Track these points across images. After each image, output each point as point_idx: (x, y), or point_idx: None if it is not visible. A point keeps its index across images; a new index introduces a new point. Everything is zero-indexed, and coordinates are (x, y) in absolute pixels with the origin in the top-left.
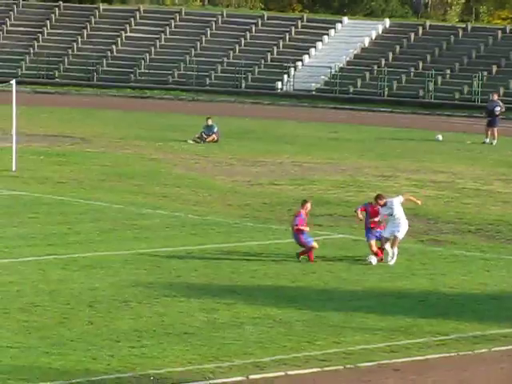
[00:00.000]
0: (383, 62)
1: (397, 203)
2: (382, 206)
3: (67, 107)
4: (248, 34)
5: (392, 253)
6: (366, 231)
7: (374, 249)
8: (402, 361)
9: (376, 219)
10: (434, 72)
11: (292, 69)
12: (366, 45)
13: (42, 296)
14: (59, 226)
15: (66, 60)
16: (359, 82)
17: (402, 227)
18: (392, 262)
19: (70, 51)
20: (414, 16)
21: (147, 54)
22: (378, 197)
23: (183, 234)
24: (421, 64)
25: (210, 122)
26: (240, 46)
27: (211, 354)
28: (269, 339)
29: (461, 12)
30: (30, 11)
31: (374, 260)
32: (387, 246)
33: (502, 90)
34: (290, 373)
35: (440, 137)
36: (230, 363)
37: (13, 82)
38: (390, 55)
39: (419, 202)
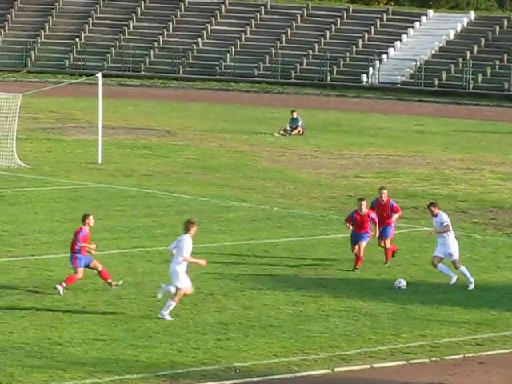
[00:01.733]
0: (468, 54)
1: (446, 218)
2: (433, 215)
3: (153, 100)
4: (333, 27)
5: (459, 274)
6: (354, 237)
7: (359, 252)
8: (487, 354)
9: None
10: None
11: (377, 61)
12: (451, 37)
13: (128, 289)
14: (145, 218)
15: (151, 53)
16: (444, 75)
17: (454, 245)
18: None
19: (155, 44)
20: (498, 9)
21: (233, 47)
22: (432, 204)
23: (269, 227)
24: (506, 57)
25: (295, 115)
26: (325, 38)
27: (297, 346)
28: (354, 332)
29: None
30: (115, 4)
31: (402, 283)
32: (441, 266)
33: None
34: (375, 365)
35: None
36: (315, 356)
37: (99, 74)
38: (475, 48)
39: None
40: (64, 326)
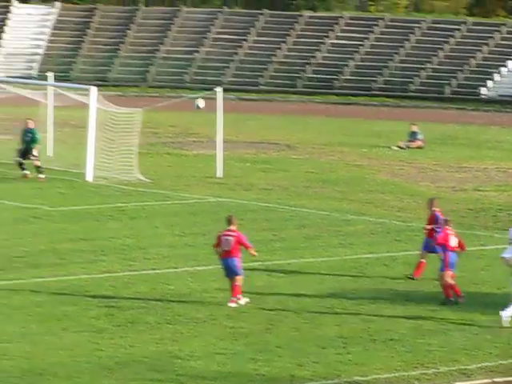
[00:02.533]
0: None
1: None
2: None
3: (272, 114)
4: (451, 40)
5: None
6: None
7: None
8: None
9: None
10: None
11: (496, 74)
12: None
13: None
14: (264, 232)
15: (270, 67)
16: None
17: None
18: None
19: (274, 58)
20: None
21: (351, 61)
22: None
23: (388, 240)
24: None
25: (414, 129)
26: (443, 51)
27: (416, 360)
28: (475, 346)
29: None
30: (234, 19)
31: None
32: None
33: None
34: (496, 380)
35: None
36: (435, 370)
37: (219, 89)
38: None
39: None
40: (184, 340)
